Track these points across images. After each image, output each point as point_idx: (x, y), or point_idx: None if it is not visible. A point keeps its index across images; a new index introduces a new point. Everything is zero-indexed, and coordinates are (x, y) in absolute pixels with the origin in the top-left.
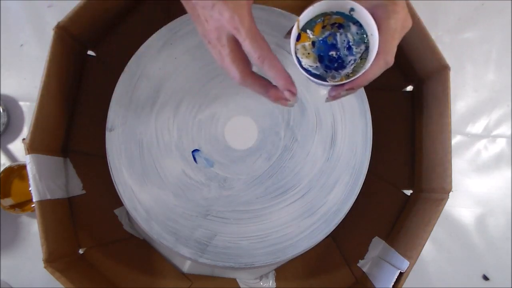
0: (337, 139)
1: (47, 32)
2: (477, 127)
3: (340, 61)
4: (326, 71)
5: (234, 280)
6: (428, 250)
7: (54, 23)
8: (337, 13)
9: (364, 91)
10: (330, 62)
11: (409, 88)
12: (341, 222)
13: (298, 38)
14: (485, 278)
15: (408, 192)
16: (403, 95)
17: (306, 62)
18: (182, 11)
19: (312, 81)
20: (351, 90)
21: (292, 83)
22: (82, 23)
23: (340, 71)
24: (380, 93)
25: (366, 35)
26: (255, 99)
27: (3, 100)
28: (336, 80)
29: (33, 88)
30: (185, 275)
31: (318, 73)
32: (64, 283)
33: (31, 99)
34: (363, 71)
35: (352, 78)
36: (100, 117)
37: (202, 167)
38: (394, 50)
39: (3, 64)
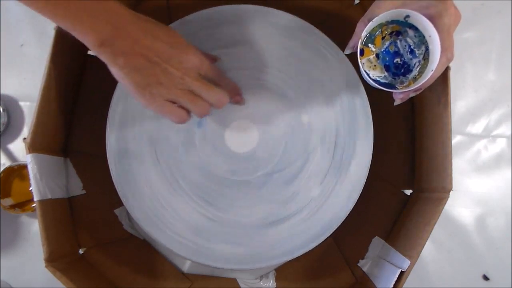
0: (337, 139)
1: (47, 32)
2: (477, 127)
3: (406, 66)
4: (395, 78)
5: (234, 280)
6: (428, 250)
7: (54, 23)
8: (393, 21)
9: (364, 91)
10: (396, 69)
11: None
12: (341, 222)
13: (362, 53)
14: (485, 278)
15: (408, 192)
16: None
17: (374, 74)
18: (182, 12)
19: (383, 90)
20: (419, 90)
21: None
22: None
23: (407, 75)
24: (380, 93)
25: (424, 36)
26: (255, 101)
27: (3, 100)
28: (405, 85)
29: (33, 88)
30: (185, 275)
31: (387, 81)
32: (65, 283)
33: (31, 99)
34: (430, 72)
35: (420, 83)
36: (100, 117)
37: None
38: (452, 45)
39: (3, 64)
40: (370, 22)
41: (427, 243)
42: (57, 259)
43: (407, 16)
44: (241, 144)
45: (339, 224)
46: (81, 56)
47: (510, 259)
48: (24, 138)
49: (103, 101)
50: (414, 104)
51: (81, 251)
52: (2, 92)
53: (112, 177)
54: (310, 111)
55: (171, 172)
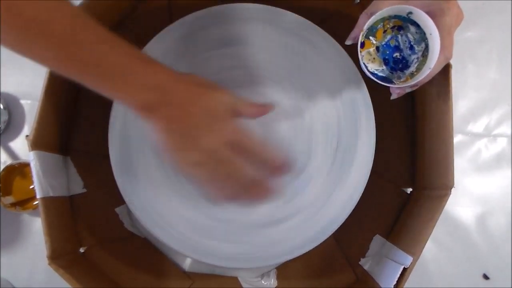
0: (339, 138)
1: None
2: (477, 126)
3: (404, 61)
4: (392, 73)
5: (236, 278)
6: (429, 249)
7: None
8: (395, 16)
9: (366, 89)
10: (395, 64)
11: None
12: (342, 221)
13: (362, 45)
14: (486, 277)
15: (409, 190)
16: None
17: (372, 67)
18: (183, 12)
19: (380, 84)
20: (415, 86)
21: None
22: None
23: (405, 71)
24: (381, 91)
25: (425, 33)
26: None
27: (4, 98)
28: (402, 80)
29: (34, 86)
30: (187, 274)
31: (384, 75)
32: (68, 280)
33: (32, 97)
34: (428, 70)
35: (417, 79)
36: (101, 116)
37: None
38: (452, 44)
39: (4, 62)
40: (373, 16)
41: (427, 242)
42: (59, 256)
43: (410, 13)
44: None
45: (340, 223)
46: None
47: (510, 259)
48: (27, 135)
49: (105, 100)
50: (415, 101)
51: (82, 250)
52: (3, 90)
53: (114, 175)
54: (311, 110)
55: (174, 170)
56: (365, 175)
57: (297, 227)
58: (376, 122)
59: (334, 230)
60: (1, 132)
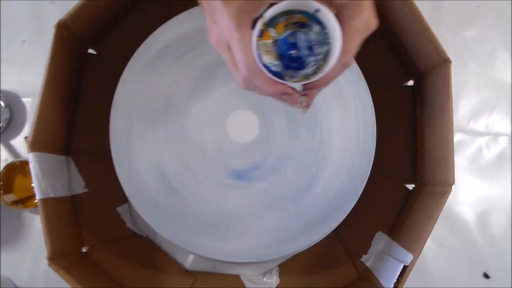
0: (340, 135)
1: (48, 28)
2: (478, 125)
3: (300, 61)
4: (287, 70)
5: (238, 276)
6: (429, 248)
7: (57, 20)
8: (301, 12)
9: (367, 87)
10: (290, 61)
11: (410, 82)
12: (344, 218)
13: (261, 35)
14: (486, 276)
15: (410, 186)
16: (404, 90)
17: (266, 59)
18: (182, 10)
19: (271, 78)
20: (314, 89)
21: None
22: (83, 20)
23: (299, 71)
24: (381, 88)
25: (330, 36)
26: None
27: (5, 96)
28: (295, 79)
29: (35, 84)
30: (189, 272)
31: (278, 70)
32: (68, 281)
33: (33, 95)
34: (323, 73)
35: (310, 80)
36: (102, 115)
37: (204, 165)
38: (353, 50)
39: (5, 60)
40: (274, 7)
41: (428, 240)
42: (60, 257)
43: (317, 10)
44: (242, 134)
45: (342, 220)
46: (81, 54)
47: (510, 258)
48: (26, 137)
49: (105, 99)
50: (415, 97)
51: (84, 249)
52: (5, 88)
53: (117, 172)
54: (312, 107)
55: (177, 166)
56: (366, 172)
57: (298, 223)
58: (376, 119)
59: (335, 227)
60: (2, 130)
